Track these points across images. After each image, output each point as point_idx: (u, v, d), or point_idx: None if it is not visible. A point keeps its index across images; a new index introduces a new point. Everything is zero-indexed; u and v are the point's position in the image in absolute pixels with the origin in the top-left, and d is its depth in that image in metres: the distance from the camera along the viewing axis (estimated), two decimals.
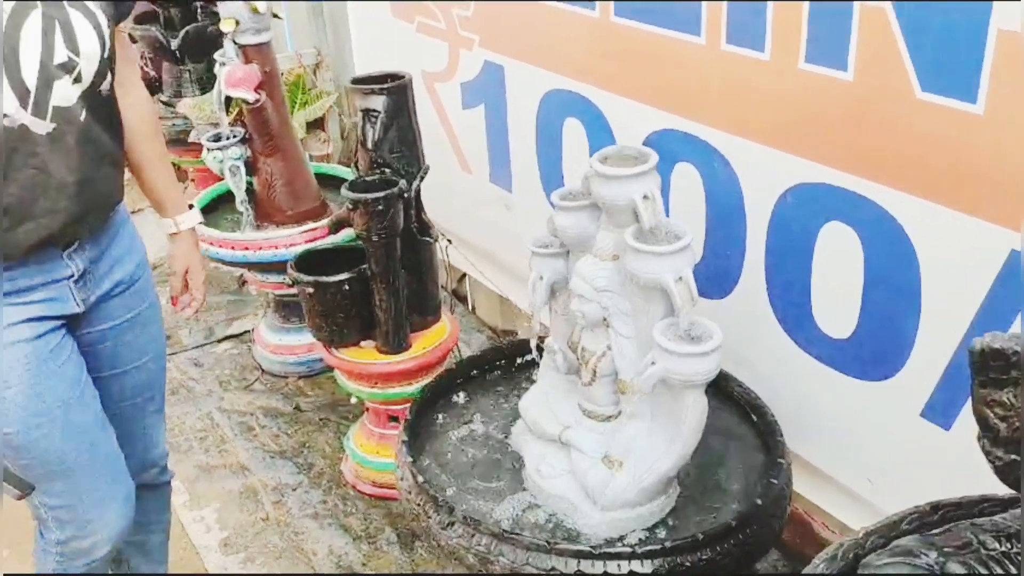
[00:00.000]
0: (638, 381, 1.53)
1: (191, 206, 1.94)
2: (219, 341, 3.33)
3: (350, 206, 2.14)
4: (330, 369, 2.65)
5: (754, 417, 1.87)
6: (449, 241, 2.88)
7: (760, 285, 1.87)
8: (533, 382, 1.92)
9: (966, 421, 1.54)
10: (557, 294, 1.82)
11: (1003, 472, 0.98)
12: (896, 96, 1.47)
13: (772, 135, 1.73)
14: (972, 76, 1.34)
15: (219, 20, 2.62)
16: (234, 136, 2.81)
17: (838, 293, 1.71)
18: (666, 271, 1.49)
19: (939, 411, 1.59)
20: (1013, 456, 0.95)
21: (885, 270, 1.61)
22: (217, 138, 2.81)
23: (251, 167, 2.85)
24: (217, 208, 3.01)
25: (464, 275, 3.25)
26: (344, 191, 2.13)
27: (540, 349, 1.90)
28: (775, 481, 1.66)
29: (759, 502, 1.61)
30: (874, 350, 1.68)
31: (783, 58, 1.64)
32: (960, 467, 1.58)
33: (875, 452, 1.76)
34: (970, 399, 1.51)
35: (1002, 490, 1.20)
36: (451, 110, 2.76)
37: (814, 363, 1.82)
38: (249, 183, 2.87)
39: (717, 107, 1.83)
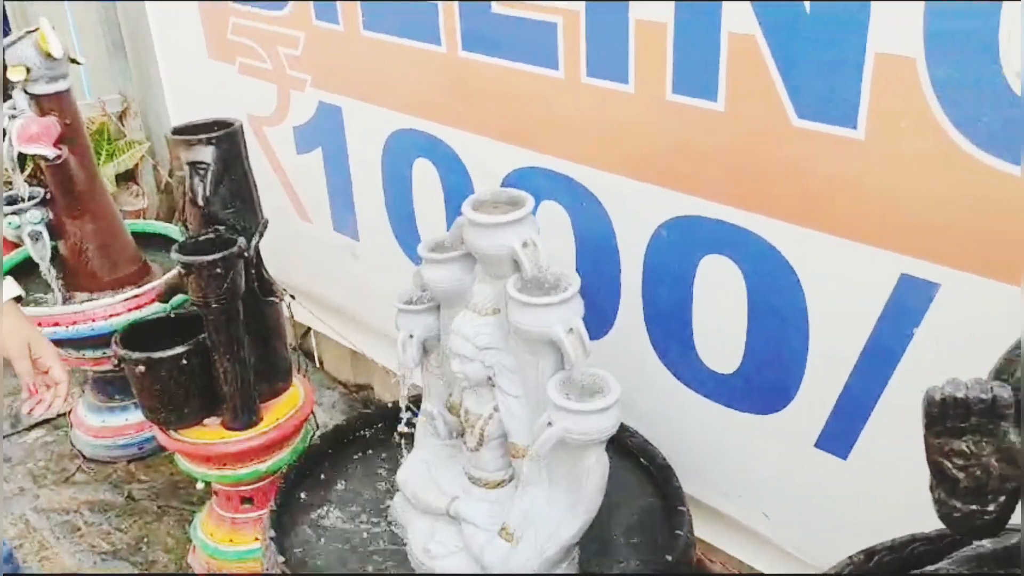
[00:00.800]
0: (535, 446, 1.40)
1: None
2: (28, 429, 2.93)
3: (182, 270, 1.89)
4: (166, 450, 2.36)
5: (644, 462, 1.79)
6: (292, 297, 2.65)
7: (639, 324, 1.80)
8: (410, 448, 1.75)
9: (864, 449, 1.52)
10: (429, 353, 1.67)
11: (958, 523, 0.92)
12: (770, 125, 1.43)
13: (642, 169, 1.67)
14: (850, 101, 1.32)
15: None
16: (32, 198, 2.48)
17: (722, 327, 1.66)
18: (555, 323, 1.38)
19: (835, 440, 1.56)
20: (973, 506, 0.89)
21: (769, 301, 1.57)
22: (12, 201, 2.47)
23: (55, 231, 2.52)
24: (18, 280, 2.64)
25: (308, 329, 3.02)
26: (175, 254, 1.88)
27: (413, 410, 1.74)
28: (680, 532, 1.57)
29: (668, 558, 1.52)
30: (762, 383, 1.64)
31: (649, 89, 1.58)
32: (859, 496, 1.57)
33: (770, 486, 1.71)
34: (865, 427, 1.54)
35: (927, 524, 1.17)
36: (284, 156, 2.56)
37: (701, 400, 1.76)
38: (55, 248, 2.54)
39: (581, 142, 1.75)
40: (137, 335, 2.07)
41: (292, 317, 2.62)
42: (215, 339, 1.97)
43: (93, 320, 2.41)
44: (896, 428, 1.45)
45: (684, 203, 1.62)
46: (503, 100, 1.86)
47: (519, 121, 1.85)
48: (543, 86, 1.75)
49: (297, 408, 2.20)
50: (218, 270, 1.87)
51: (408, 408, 1.74)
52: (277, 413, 2.15)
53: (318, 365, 3.14)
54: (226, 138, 1.94)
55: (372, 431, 1.97)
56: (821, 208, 1.43)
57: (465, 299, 1.54)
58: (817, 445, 1.59)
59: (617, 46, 1.59)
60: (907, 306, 1.37)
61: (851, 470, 1.55)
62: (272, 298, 2.13)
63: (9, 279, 1.63)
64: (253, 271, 2.03)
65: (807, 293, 1.50)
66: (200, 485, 2.25)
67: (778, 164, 1.45)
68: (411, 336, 1.64)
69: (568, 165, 1.79)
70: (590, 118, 1.71)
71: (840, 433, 1.55)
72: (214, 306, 1.91)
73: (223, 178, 1.95)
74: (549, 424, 1.39)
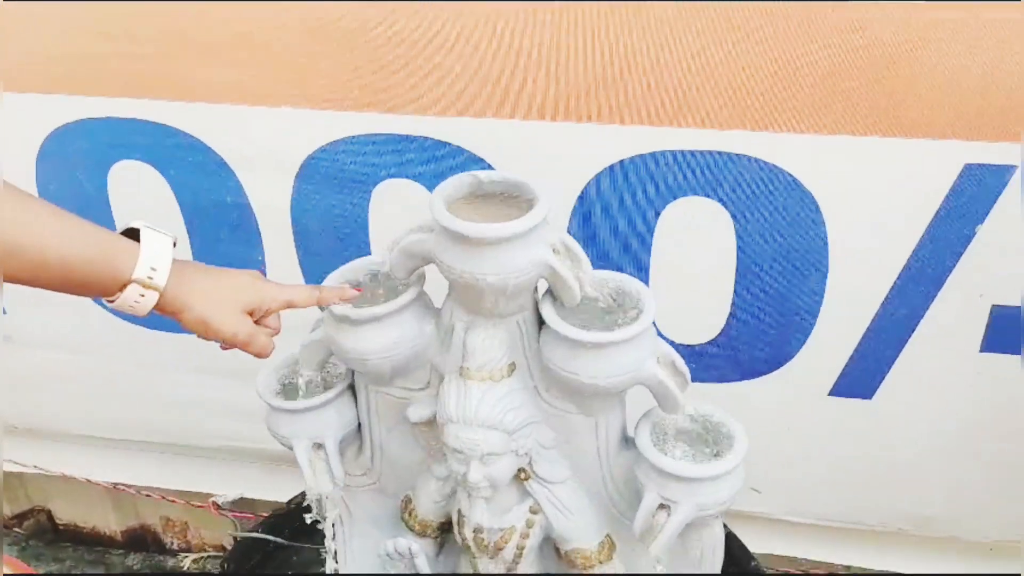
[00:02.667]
0: (656, 545, 0.90)
1: None
2: None
3: None
4: None
5: None
6: None
7: None
8: None
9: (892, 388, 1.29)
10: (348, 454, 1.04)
11: None
12: None
13: None
14: None
15: None
16: None
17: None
18: (647, 357, 0.88)
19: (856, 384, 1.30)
20: None
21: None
22: None
23: None
24: None
25: None
26: None
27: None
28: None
29: None
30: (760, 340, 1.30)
31: None
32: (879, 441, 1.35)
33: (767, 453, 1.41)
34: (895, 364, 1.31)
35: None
36: None
37: None
38: None
39: None
40: None
41: None
42: None
43: None
44: (930, 360, 1.25)
45: None
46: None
47: None
48: None
49: None
50: None
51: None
52: None
53: None
54: None
55: None
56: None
57: (435, 364, 0.95)
58: (833, 393, 1.32)
59: None
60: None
61: (874, 411, 1.32)
62: None
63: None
64: None
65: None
66: None
67: None
68: (319, 447, 1.00)
69: None
70: None
71: (863, 374, 1.29)
72: None
73: None
74: (664, 507, 0.91)
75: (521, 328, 0.91)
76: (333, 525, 1.06)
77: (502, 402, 0.90)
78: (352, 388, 1.03)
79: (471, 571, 1.02)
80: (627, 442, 0.97)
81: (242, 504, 1.74)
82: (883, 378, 1.29)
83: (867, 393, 1.31)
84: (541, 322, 0.91)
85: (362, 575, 1.11)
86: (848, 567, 1.56)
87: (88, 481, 1.77)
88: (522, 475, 0.96)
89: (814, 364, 1.30)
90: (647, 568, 0.98)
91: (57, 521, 2.03)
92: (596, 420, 0.94)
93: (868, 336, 1.25)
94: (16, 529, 2.04)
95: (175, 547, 1.96)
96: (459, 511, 1.00)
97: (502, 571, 1.00)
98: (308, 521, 1.04)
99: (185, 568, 1.90)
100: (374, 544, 1.09)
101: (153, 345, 1.55)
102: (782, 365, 1.31)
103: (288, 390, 1.03)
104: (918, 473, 1.38)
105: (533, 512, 0.98)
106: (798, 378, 1.31)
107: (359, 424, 1.04)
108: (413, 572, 1.04)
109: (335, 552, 1.09)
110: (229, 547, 1.92)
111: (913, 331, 1.24)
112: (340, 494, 1.06)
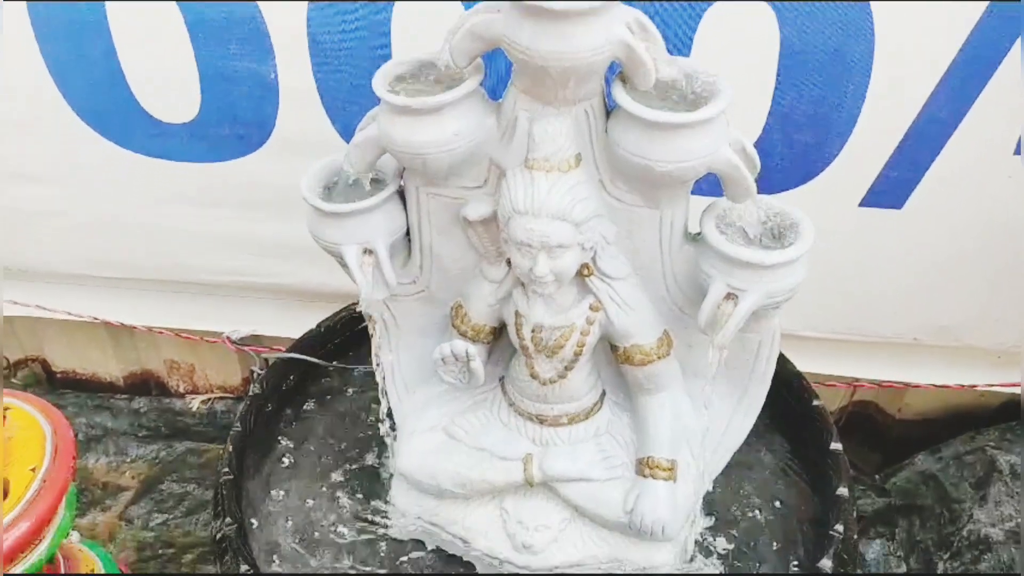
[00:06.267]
0: (722, 334, 0.90)
1: None
2: None
3: None
4: None
5: None
6: None
7: None
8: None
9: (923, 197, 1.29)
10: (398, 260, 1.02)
11: None
12: None
13: None
14: None
15: None
16: None
17: None
18: (722, 143, 0.86)
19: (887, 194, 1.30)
20: None
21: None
22: None
23: None
24: None
25: None
26: None
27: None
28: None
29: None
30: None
31: None
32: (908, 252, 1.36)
33: None
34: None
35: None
36: None
37: None
38: None
39: None
40: None
41: None
42: None
43: None
44: (965, 166, 1.25)
45: None
46: None
47: None
48: None
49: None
50: None
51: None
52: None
53: None
54: None
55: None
56: None
57: (494, 159, 0.91)
58: (864, 203, 1.32)
59: None
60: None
61: (902, 222, 1.32)
62: None
63: None
64: None
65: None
66: None
67: None
68: (368, 252, 0.97)
69: None
70: None
71: (896, 183, 1.29)
72: None
73: None
74: (730, 297, 0.90)
75: (588, 116, 0.87)
76: (381, 333, 1.05)
77: (571, 192, 0.88)
78: (401, 193, 0.99)
79: (527, 371, 1.02)
80: (690, 237, 0.95)
81: (253, 341, 1.72)
82: (915, 186, 1.29)
83: (898, 203, 1.31)
84: (607, 112, 0.88)
85: None
86: (856, 379, 1.61)
87: (95, 319, 1.72)
88: (585, 271, 0.94)
89: (848, 173, 1.29)
90: (703, 362, 1.00)
91: (54, 369, 2.00)
92: (661, 213, 0.92)
93: (905, 141, 1.24)
94: (12, 380, 2.00)
95: (181, 390, 1.94)
96: (516, 312, 0.99)
97: (560, 370, 1.00)
98: (359, 321, 1.02)
99: (194, 409, 1.90)
100: (420, 352, 1.08)
101: (150, 175, 1.48)
102: (816, 176, 1.30)
103: (333, 194, 0.98)
104: (938, 283, 1.40)
105: (593, 310, 0.97)
106: (830, 189, 1.31)
107: (407, 231, 1.01)
108: (466, 377, 1.04)
109: (379, 365, 1.09)
110: (238, 386, 1.91)
111: (950, 136, 1.23)
112: (387, 304, 1.05)
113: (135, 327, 1.72)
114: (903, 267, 1.38)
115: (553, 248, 0.88)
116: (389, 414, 1.11)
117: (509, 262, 0.94)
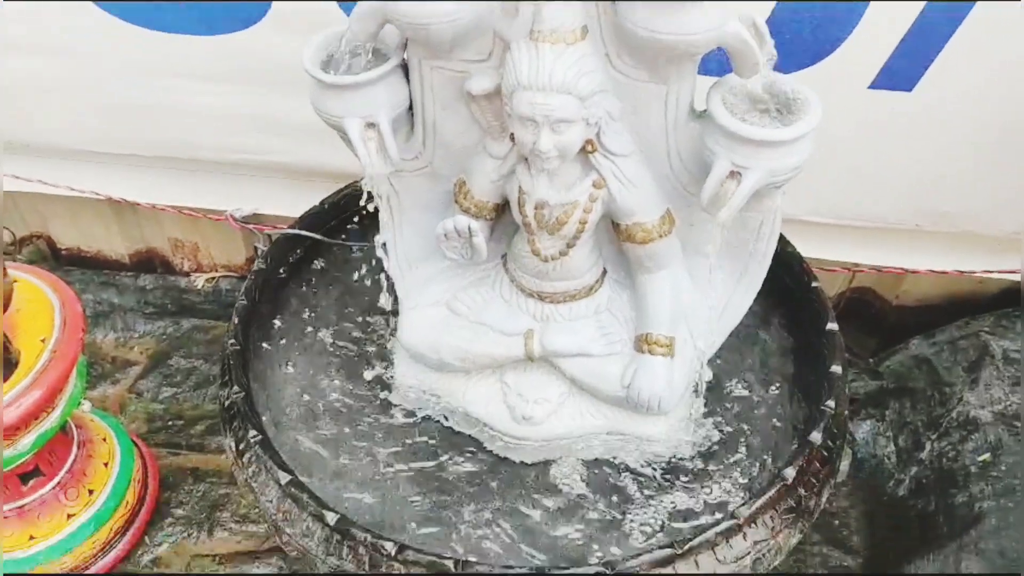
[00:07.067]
0: (726, 210, 0.90)
1: None
2: None
3: None
4: None
5: None
6: None
7: None
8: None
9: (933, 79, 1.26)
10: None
11: None
12: None
13: None
14: None
15: None
16: None
17: None
18: (729, 14, 0.84)
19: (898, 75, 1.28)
20: None
21: None
22: None
23: None
24: None
25: None
26: None
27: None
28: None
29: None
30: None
31: None
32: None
33: None
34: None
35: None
36: None
37: None
38: None
39: None
40: None
41: None
42: None
43: None
44: (978, 49, 1.22)
45: None
46: None
47: None
48: None
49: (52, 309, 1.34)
50: None
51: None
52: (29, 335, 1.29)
53: None
54: None
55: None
56: None
57: (498, 31, 0.89)
58: (874, 86, 1.30)
59: None
60: None
61: (911, 105, 1.30)
62: None
63: None
64: None
65: None
66: None
67: None
68: (371, 126, 0.96)
69: None
70: None
71: (908, 64, 1.26)
72: None
73: None
74: (734, 175, 0.90)
75: None
76: (384, 208, 1.06)
77: (576, 65, 0.86)
78: (404, 67, 0.97)
79: (528, 248, 1.02)
80: (695, 114, 0.94)
81: (255, 220, 1.73)
82: (927, 68, 1.26)
83: (908, 85, 1.29)
84: None
85: None
86: (855, 264, 1.62)
87: (97, 195, 1.72)
88: (588, 147, 0.94)
89: (859, 54, 1.26)
90: (705, 241, 1.00)
91: (59, 246, 2.01)
92: (667, 89, 0.91)
93: (920, 21, 1.21)
94: (16, 256, 2.01)
95: (185, 269, 1.96)
96: (519, 188, 0.99)
97: (561, 247, 1.01)
98: (362, 203, 1.02)
99: (199, 287, 1.91)
100: (423, 228, 1.08)
101: (150, 49, 1.45)
102: (826, 56, 1.27)
103: (334, 66, 0.97)
104: (944, 168, 1.39)
105: (596, 187, 0.97)
106: (840, 70, 1.28)
107: (410, 106, 1.00)
108: (469, 252, 1.05)
109: (383, 244, 1.09)
110: (242, 266, 1.93)
111: (963, 20, 1.20)
112: (390, 179, 1.04)
113: (138, 204, 1.72)
114: (910, 152, 1.37)
115: (557, 123, 0.88)
116: (391, 289, 1.12)
117: (513, 137, 0.94)
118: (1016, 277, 1.53)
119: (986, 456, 1.35)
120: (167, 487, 1.59)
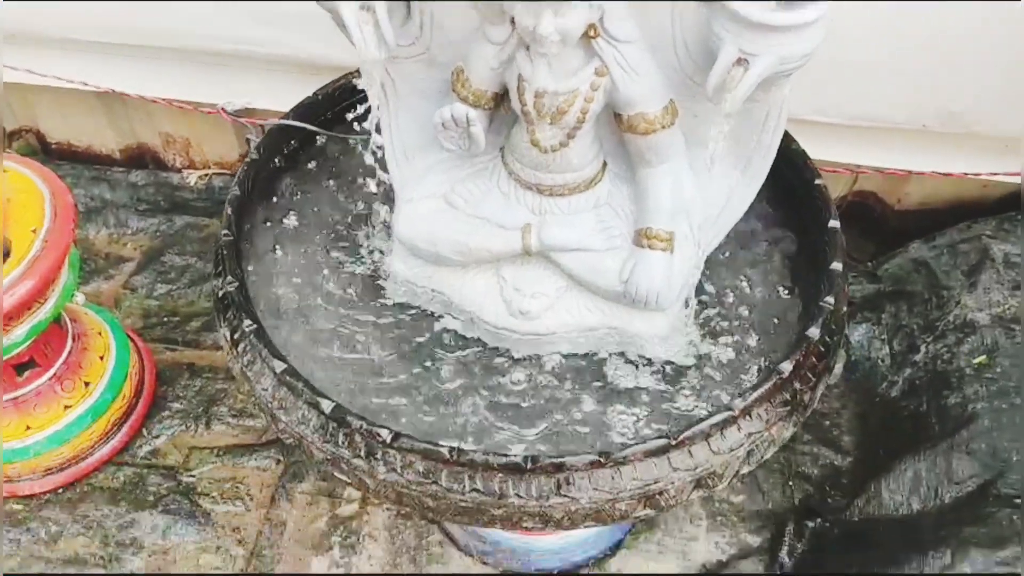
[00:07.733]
0: (731, 100, 0.88)
1: None
2: None
3: None
4: None
5: None
6: None
7: None
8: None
9: None
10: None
11: None
12: None
13: None
14: None
15: None
16: None
17: None
18: None
19: None
20: None
21: None
22: None
23: None
24: None
25: None
26: None
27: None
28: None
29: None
30: None
31: None
32: None
33: None
34: None
35: None
36: None
37: None
38: None
39: None
40: None
41: None
42: None
43: None
44: None
45: None
46: None
47: None
48: None
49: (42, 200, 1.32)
50: None
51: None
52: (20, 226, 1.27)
53: None
54: None
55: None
56: None
57: None
58: None
59: None
60: None
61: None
62: None
63: None
64: None
65: None
66: None
67: None
68: (366, 9, 0.93)
69: None
70: None
71: None
72: None
73: None
74: (741, 62, 0.87)
75: None
76: (379, 94, 1.03)
77: None
78: None
79: (527, 139, 1.00)
80: None
81: (247, 114, 1.69)
82: None
83: None
84: None
85: None
86: (858, 165, 1.59)
87: (85, 85, 1.67)
88: (591, 32, 0.90)
89: None
90: (708, 133, 0.98)
91: (48, 140, 1.97)
92: None
93: None
94: (6, 150, 1.98)
95: (178, 165, 1.93)
96: (519, 76, 0.96)
97: (562, 138, 0.98)
98: (357, 86, 0.99)
99: (192, 184, 1.89)
100: (421, 117, 1.06)
101: None
102: None
103: None
104: (953, 67, 1.36)
105: (598, 75, 0.94)
106: None
107: None
108: (466, 143, 1.02)
109: (377, 124, 1.06)
110: (234, 163, 1.90)
111: None
112: (385, 65, 1.01)
113: (127, 95, 1.68)
114: (919, 49, 1.33)
115: (558, 5, 0.84)
116: (385, 178, 1.10)
117: (513, 22, 0.91)
118: (1020, 180, 1.51)
119: (982, 358, 1.35)
120: (164, 382, 1.60)
